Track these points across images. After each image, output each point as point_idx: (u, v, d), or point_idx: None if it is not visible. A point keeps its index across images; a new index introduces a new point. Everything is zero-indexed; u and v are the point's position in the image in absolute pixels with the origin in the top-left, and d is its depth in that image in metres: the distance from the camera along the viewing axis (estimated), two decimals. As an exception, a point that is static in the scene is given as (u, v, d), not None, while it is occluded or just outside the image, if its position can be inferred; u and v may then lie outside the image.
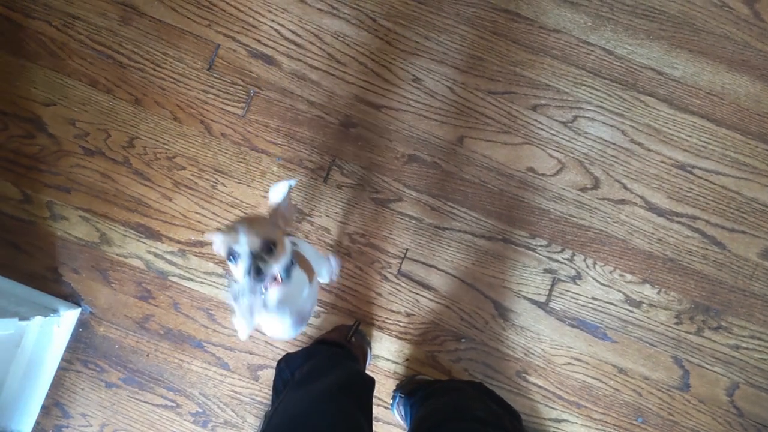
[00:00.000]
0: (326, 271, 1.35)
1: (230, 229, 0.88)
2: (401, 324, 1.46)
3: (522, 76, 1.51)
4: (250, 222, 0.89)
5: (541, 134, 1.50)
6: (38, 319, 1.34)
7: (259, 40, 1.51)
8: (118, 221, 1.46)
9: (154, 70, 1.49)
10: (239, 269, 0.87)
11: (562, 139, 1.50)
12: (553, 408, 1.44)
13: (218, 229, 0.92)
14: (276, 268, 0.90)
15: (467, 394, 1.15)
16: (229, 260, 0.88)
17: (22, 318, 1.31)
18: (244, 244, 0.86)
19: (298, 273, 1.01)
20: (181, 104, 1.49)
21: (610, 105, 1.51)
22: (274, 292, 0.95)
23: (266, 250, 0.87)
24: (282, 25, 1.51)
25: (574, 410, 1.44)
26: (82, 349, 1.44)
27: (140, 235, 1.46)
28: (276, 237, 0.90)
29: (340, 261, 1.44)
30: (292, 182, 1.04)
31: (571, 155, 1.50)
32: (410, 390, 1.33)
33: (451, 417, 1.01)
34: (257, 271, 0.85)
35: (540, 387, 1.45)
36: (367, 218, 1.48)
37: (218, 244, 0.91)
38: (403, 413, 1.34)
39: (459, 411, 1.04)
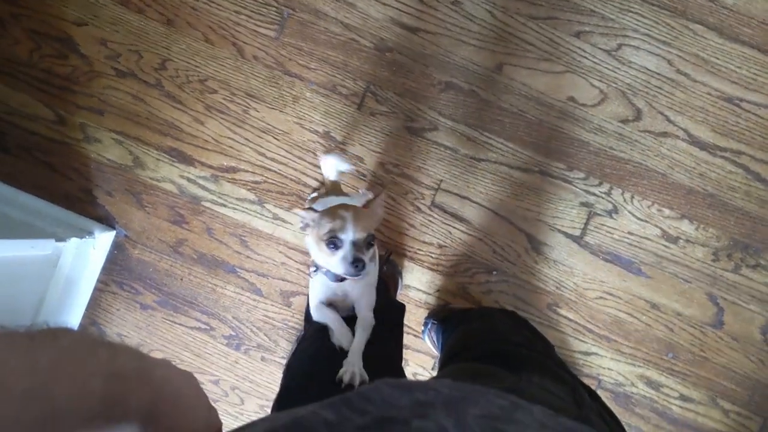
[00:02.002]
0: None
1: (332, 214, 0.85)
2: (433, 255, 1.45)
3: (566, 1, 1.44)
4: (356, 213, 0.86)
5: (583, 63, 1.44)
6: (74, 241, 1.35)
7: (292, -40, 1.45)
8: (151, 144, 1.45)
9: (185, -11, 1.45)
10: (336, 256, 0.85)
11: (606, 68, 1.44)
12: (583, 341, 1.44)
13: (310, 208, 0.89)
14: (370, 264, 0.87)
15: (500, 320, 1.14)
16: (329, 246, 0.85)
17: (59, 239, 1.33)
18: (350, 234, 0.84)
19: (373, 268, 0.99)
20: (213, 25, 1.45)
21: (657, 33, 1.44)
22: (351, 283, 0.94)
23: (367, 245, 0.86)
24: (316, -56, 1.45)
25: (604, 344, 1.44)
26: (117, 271, 1.46)
27: (173, 159, 1.45)
28: (373, 234, 0.89)
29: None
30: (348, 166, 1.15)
31: (614, 85, 1.44)
32: (443, 317, 1.34)
33: (484, 339, 1.01)
34: (356, 262, 0.83)
35: (570, 320, 1.44)
36: (401, 148, 1.45)
37: (310, 222, 0.88)
38: (435, 339, 1.35)
39: (492, 333, 1.04)
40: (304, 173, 1.44)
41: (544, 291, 1.45)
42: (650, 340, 1.44)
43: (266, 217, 1.44)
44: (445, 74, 1.45)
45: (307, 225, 0.90)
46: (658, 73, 1.44)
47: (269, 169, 1.45)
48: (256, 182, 1.45)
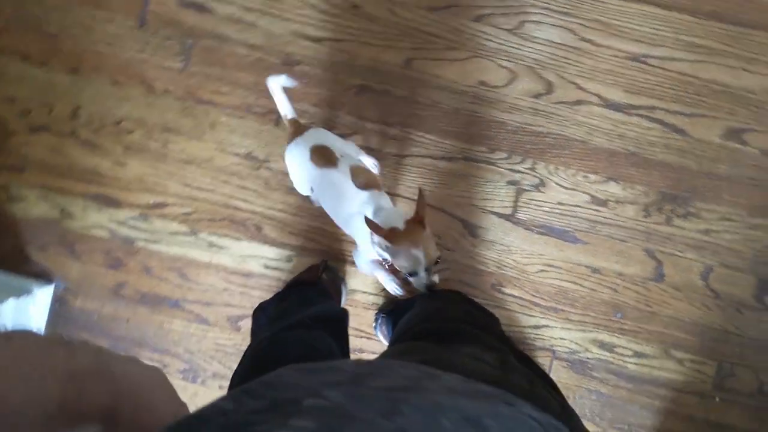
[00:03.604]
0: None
1: (407, 249, 0.96)
2: (373, 256, 1.47)
3: (461, -12, 1.46)
4: (426, 244, 0.97)
5: (488, 45, 1.46)
6: (11, 301, 1.35)
7: (186, -11, 1.45)
8: (76, 194, 1.45)
9: (86, 35, 1.45)
10: (412, 281, 1.01)
11: (511, 47, 1.46)
12: (531, 316, 1.47)
13: (385, 232, 0.97)
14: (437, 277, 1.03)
15: (444, 300, 1.15)
16: (408, 276, 1.00)
17: (-5, 302, 1.32)
18: (424, 266, 0.98)
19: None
20: (119, 67, 1.45)
21: (555, 5, 1.46)
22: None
23: (434, 265, 1.00)
24: (208, -30, 1.45)
25: (552, 315, 1.46)
26: (62, 323, 1.45)
27: (100, 205, 1.45)
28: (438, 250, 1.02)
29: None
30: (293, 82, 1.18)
31: (522, 63, 1.46)
32: (391, 309, 1.35)
33: (425, 318, 1.02)
34: (431, 286, 1.00)
35: (516, 297, 1.46)
36: (325, 156, 1.46)
37: (383, 248, 1.00)
38: (385, 332, 1.36)
39: (435, 313, 1.05)
40: (231, 197, 1.45)
41: (486, 272, 1.47)
42: (596, 303, 1.47)
43: (201, 246, 1.45)
44: (356, 78, 1.46)
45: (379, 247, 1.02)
46: (563, 44, 1.47)
47: (197, 199, 1.45)
48: (186, 214, 1.45)
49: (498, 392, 0.38)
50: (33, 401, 0.29)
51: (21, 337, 0.31)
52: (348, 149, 1.20)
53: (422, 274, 0.98)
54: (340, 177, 1.09)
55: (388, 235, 0.96)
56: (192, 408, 0.37)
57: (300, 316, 1.05)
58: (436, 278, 1.02)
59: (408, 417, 0.29)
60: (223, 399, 0.33)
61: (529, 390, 0.60)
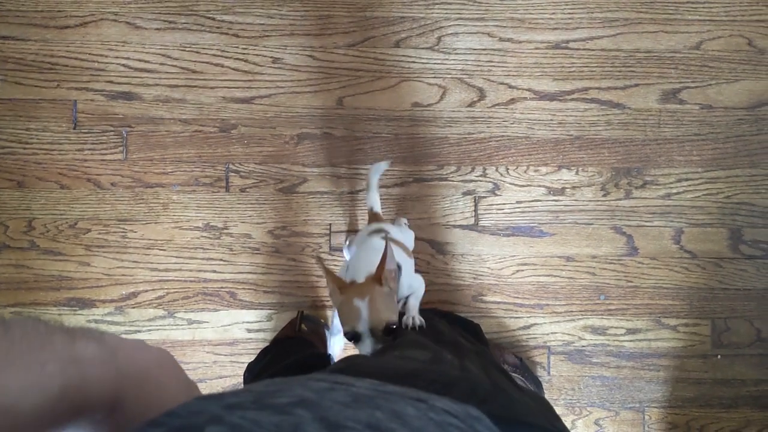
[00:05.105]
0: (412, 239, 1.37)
1: (348, 305, 0.84)
2: (351, 295, 1.47)
3: (374, 18, 1.49)
4: (372, 301, 0.84)
5: (413, 67, 1.49)
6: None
7: (111, 81, 1.48)
8: (48, 303, 1.46)
9: (24, 148, 1.47)
10: (359, 346, 0.85)
11: (435, 64, 1.49)
12: (518, 317, 1.47)
13: (335, 277, 0.90)
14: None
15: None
16: (349, 339, 0.86)
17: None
18: (366, 323, 0.83)
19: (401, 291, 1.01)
20: (63, 171, 1.47)
21: (467, 13, 1.49)
22: None
23: (387, 332, 0.84)
24: (127, 58, 1.48)
25: (538, 312, 1.46)
26: None
27: (74, 308, 1.46)
28: (396, 317, 0.88)
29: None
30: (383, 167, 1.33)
31: (449, 76, 1.49)
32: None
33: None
34: (376, 352, 0.83)
35: (499, 303, 1.47)
36: (282, 210, 1.48)
37: (336, 300, 0.89)
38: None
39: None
40: (200, 270, 1.46)
41: (464, 286, 1.47)
42: (578, 291, 1.47)
43: (181, 325, 1.45)
44: (294, 128, 1.48)
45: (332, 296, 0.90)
46: (484, 49, 1.49)
47: (167, 280, 1.46)
48: (159, 297, 1.46)
49: (407, 391, 0.37)
50: (34, 388, 0.28)
51: (20, 324, 0.31)
52: (403, 237, 1.23)
53: (366, 338, 0.83)
54: (375, 243, 1.07)
55: (340, 283, 0.89)
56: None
57: (277, 367, 1.07)
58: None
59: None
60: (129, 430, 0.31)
61: (457, 376, 0.59)
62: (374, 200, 1.32)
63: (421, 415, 0.33)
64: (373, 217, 1.31)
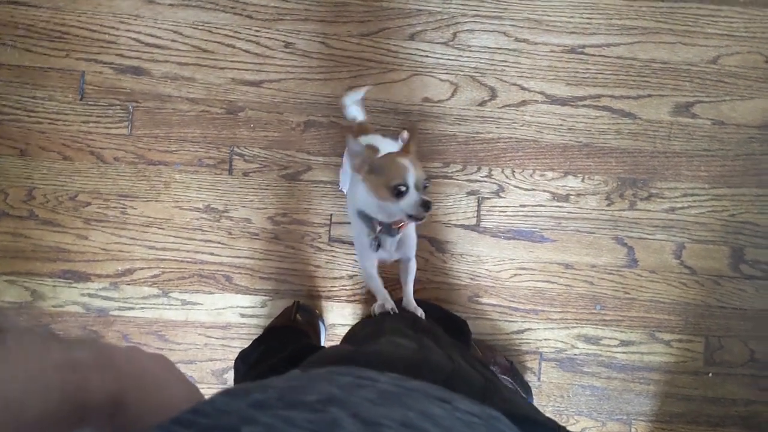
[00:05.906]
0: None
1: (392, 162, 0.95)
2: (347, 288, 1.47)
3: (390, 9, 1.47)
4: (413, 159, 0.96)
5: (426, 62, 1.47)
6: None
7: (121, 54, 1.46)
8: (44, 274, 1.45)
9: (29, 116, 1.46)
10: (403, 201, 0.93)
11: (448, 59, 1.47)
12: (513, 321, 1.46)
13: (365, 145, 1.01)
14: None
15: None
16: (395, 193, 0.92)
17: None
18: (414, 179, 0.92)
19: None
20: (66, 142, 1.46)
21: (485, 11, 1.47)
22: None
23: (424, 187, 0.95)
24: (139, 32, 1.46)
25: (533, 317, 1.46)
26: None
27: (69, 281, 1.45)
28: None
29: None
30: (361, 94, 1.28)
31: (461, 73, 1.47)
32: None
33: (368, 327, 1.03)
34: (426, 206, 0.92)
35: (495, 305, 1.46)
36: (284, 196, 1.47)
37: (365, 164, 0.98)
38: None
39: (391, 320, 1.07)
40: (197, 252, 1.45)
41: (460, 286, 1.46)
42: (575, 299, 1.46)
43: (175, 306, 1.45)
44: (301, 115, 1.47)
45: (361, 166, 0.98)
46: (499, 48, 1.47)
47: (163, 259, 1.45)
48: (155, 276, 1.45)
49: (428, 388, 0.37)
50: (35, 395, 0.28)
51: (16, 333, 0.30)
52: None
53: (413, 191, 0.92)
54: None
55: (370, 153, 0.99)
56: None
57: (273, 360, 1.06)
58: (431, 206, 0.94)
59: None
60: (151, 428, 0.30)
61: (452, 370, 0.61)
62: (355, 112, 1.29)
63: (448, 415, 0.33)
64: (360, 128, 1.26)
